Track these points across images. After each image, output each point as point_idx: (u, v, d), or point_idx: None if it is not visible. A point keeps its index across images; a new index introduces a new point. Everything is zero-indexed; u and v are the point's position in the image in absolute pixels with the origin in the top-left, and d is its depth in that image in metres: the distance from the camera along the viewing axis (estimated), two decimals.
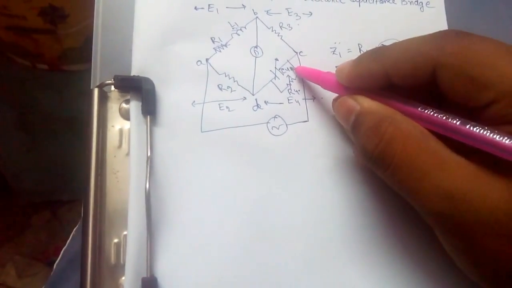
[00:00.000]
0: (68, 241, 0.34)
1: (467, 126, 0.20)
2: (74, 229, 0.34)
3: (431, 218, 0.21)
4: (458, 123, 0.21)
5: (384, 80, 0.24)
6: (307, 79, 0.29)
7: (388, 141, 0.22)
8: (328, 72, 0.27)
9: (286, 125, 0.28)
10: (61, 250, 0.34)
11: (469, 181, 0.20)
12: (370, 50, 0.25)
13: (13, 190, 0.95)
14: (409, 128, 0.22)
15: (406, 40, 0.24)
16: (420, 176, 0.21)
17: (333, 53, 0.30)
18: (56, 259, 0.33)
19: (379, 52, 0.24)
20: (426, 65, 0.22)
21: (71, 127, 0.81)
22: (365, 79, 0.25)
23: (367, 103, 0.24)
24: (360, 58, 0.25)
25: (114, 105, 0.27)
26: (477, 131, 0.20)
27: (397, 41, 0.25)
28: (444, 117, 0.21)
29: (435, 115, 0.22)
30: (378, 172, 0.23)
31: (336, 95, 0.27)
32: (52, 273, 0.32)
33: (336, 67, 0.30)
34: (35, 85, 0.76)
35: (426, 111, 0.22)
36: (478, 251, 0.20)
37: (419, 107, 0.23)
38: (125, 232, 0.25)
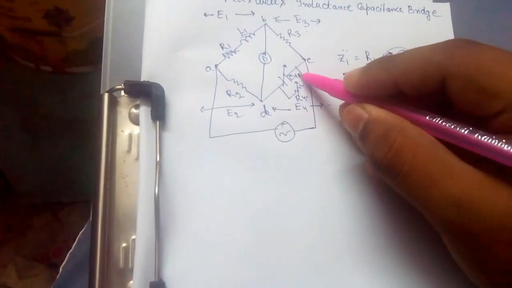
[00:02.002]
0: (75, 244, 0.34)
1: (476, 135, 0.20)
2: (81, 232, 0.34)
3: (440, 225, 0.21)
4: (466, 131, 0.21)
5: (393, 88, 0.24)
6: (314, 86, 0.29)
7: (397, 150, 0.22)
8: (336, 80, 0.27)
9: (294, 131, 0.29)
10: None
11: (477, 189, 0.20)
12: (379, 58, 0.25)
13: (14, 191, 0.95)
14: (418, 136, 0.22)
15: (415, 48, 0.24)
16: (429, 184, 0.21)
17: (341, 60, 0.30)
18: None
19: (388, 61, 0.25)
20: (435, 74, 0.22)
21: (73, 129, 0.81)
22: (374, 87, 0.25)
23: (375, 111, 0.24)
24: (368, 66, 0.25)
25: (123, 110, 0.28)
26: (485, 140, 0.20)
27: (406, 50, 0.25)
28: (453, 126, 0.21)
29: (444, 123, 0.22)
30: (388, 180, 0.23)
31: (343, 102, 0.27)
32: (58, 275, 0.33)
33: (344, 74, 0.30)
34: (38, 86, 0.76)
35: (434, 119, 0.22)
36: (487, 258, 0.20)
37: (427, 115, 0.23)
38: (133, 237, 0.25)
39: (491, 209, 0.20)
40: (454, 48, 0.22)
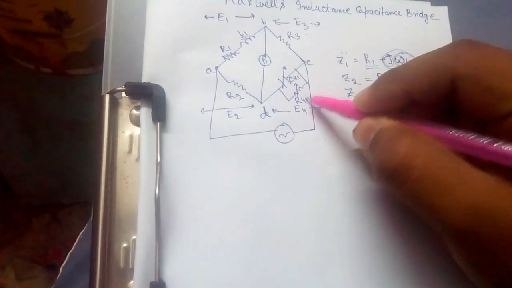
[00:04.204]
0: (75, 244, 0.34)
1: (496, 145, 0.20)
2: (81, 233, 0.34)
3: (452, 235, 0.20)
4: (486, 142, 0.20)
5: (404, 99, 0.24)
6: (324, 108, 0.29)
7: (408, 152, 0.21)
8: (346, 100, 0.27)
9: (293, 133, 0.29)
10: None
11: (492, 195, 0.19)
12: (385, 72, 0.25)
13: (14, 192, 0.95)
14: (428, 142, 0.21)
15: (421, 55, 0.24)
16: (442, 191, 0.20)
17: (340, 62, 0.31)
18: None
19: (395, 72, 0.24)
20: (444, 76, 0.22)
21: (73, 131, 0.81)
22: (385, 101, 0.24)
23: (388, 122, 0.24)
24: (377, 82, 0.25)
25: (124, 111, 0.28)
26: (508, 149, 0.20)
27: (411, 58, 0.25)
28: (471, 137, 0.21)
29: (462, 135, 0.21)
30: (394, 188, 0.22)
31: (356, 123, 0.26)
32: (59, 275, 0.33)
33: (343, 76, 0.30)
34: (38, 88, 0.76)
35: (452, 132, 0.22)
36: (502, 268, 0.19)
37: (444, 128, 0.22)
38: (134, 237, 0.26)
39: (506, 215, 0.19)
40: (460, 49, 0.22)
